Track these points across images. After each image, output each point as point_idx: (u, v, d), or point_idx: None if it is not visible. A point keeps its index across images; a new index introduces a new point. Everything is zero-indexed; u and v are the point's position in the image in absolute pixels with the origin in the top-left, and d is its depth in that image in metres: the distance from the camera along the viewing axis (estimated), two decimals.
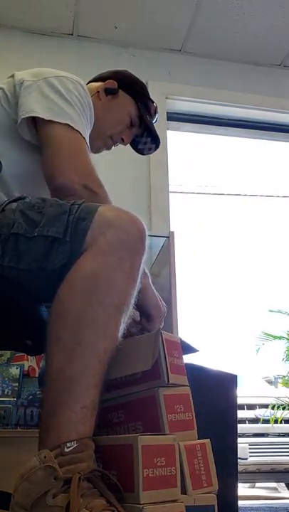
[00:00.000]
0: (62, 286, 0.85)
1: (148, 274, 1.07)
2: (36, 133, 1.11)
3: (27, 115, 1.08)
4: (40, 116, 1.07)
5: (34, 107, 1.09)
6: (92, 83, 1.44)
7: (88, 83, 1.42)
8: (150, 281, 1.08)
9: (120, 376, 0.91)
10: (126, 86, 1.41)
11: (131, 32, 2.97)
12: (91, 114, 1.17)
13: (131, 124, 1.42)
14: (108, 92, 1.39)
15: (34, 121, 1.10)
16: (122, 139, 1.42)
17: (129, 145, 1.50)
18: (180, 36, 3.03)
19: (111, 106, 1.38)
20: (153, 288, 1.09)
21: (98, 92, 1.38)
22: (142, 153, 1.56)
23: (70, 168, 1.02)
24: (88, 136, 1.14)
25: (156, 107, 1.47)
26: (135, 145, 1.52)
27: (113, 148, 1.47)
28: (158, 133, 1.50)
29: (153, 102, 1.46)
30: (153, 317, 1.07)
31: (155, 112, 1.48)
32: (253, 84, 3.20)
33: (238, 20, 2.93)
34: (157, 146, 1.52)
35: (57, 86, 1.12)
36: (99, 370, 0.81)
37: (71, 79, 1.16)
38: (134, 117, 1.41)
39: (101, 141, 1.40)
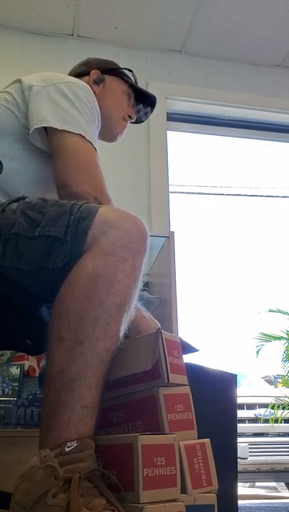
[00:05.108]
0: (63, 285, 0.85)
1: (140, 308, 1.07)
2: (47, 141, 1.11)
3: (40, 125, 1.08)
4: (53, 126, 1.07)
5: (46, 115, 1.09)
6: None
7: None
8: (144, 313, 1.08)
9: (121, 376, 0.91)
10: (105, 69, 1.45)
11: (131, 32, 2.98)
12: (99, 120, 1.18)
13: (129, 98, 1.47)
14: (97, 82, 1.42)
15: (45, 129, 1.10)
16: (130, 116, 1.47)
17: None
18: (180, 36, 3.03)
19: (107, 93, 1.42)
20: (147, 318, 1.08)
21: (90, 86, 1.40)
22: (141, 121, 1.58)
23: (85, 179, 1.03)
24: (97, 144, 1.15)
25: (133, 73, 1.51)
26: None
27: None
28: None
29: (131, 71, 1.50)
30: None
31: (136, 79, 1.52)
32: (253, 84, 3.21)
33: (238, 21, 2.93)
34: (153, 107, 1.55)
35: (66, 93, 1.13)
36: (100, 369, 0.81)
37: (80, 85, 1.17)
38: (127, 92, 1.46)
39: (119, 126, 1.44)
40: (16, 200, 0.98)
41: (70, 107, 1.11)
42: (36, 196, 1.03)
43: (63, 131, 1.07)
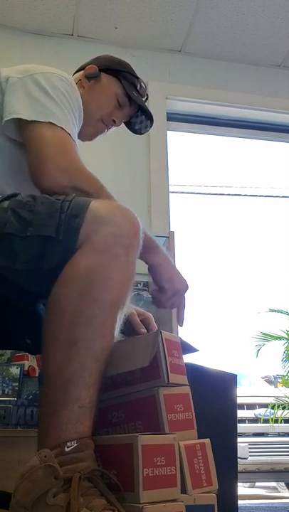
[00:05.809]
0: (56, 285, 0.84)
1: (161, 249, 1.08)
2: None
3: (10, 117, 1.06)
4: (23, 117, 1.05)
5: (17, 107, 1.07)
6: (75, 74, 1.44)
7: (73, 75, 1.42)
8: (164, 257, 1.09)
9: (118, 373, 0.91)
10: (107, 68, 1.41)
11: (131, 32, 2.97)
12: (80, 110, 1.15)
13: (119, 104, 1.40)
14: (89, 77, 1.38)
15: (19, 121, 1.08)
16: (114, 121, 1.41)
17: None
18: (180, 36, 3.03)
19: (94, 90, 1.37)
20: (168, 263, 1.09)
21: (80, 80, 1.38)
22: (140, 133, 1.55)
23: (55, 168, 0.99)
24: (76, 131, 1.12)
25: (145, 84, 1.46)
26: (132, 126, 1.51)
27: (108, 131, 1.45)
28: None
29: (138, 78, 1.44)
30: (165, 290, 1.08)
31: (144, 89, 1.46)
32: (253, 84, 3.20)
33: (238, 21, 2.93)
34: (152, 122, 1.51)
35: (42, 83, 1.10)
36: (96, 368, 0.81)
37: (57, 75, 1.14)
38: (121, 97, 1.39)
39: (91, 126, 1.37)
40: (8, 198, 0.97)
41: (44, 97, 1.08)
42: (21, 191, 1.01)
43: (32, 122, 1.04)
